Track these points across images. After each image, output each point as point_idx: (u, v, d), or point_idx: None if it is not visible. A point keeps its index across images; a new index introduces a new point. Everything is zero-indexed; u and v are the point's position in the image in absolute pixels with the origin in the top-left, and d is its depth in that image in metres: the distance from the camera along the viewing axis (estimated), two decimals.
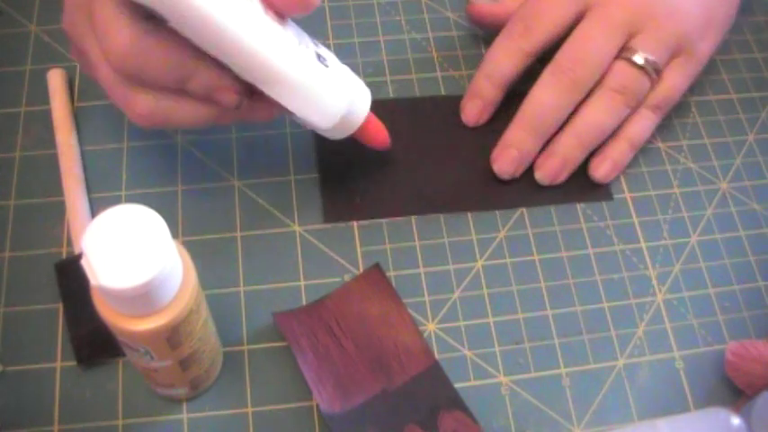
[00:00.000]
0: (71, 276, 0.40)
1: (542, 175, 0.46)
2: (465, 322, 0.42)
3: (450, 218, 0.46)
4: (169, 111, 0.36)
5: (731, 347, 0.41)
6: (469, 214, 0.46)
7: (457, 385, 0.40)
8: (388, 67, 0.51)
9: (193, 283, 0.32)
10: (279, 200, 0.45)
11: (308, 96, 0.37)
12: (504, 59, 0.47)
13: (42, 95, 0.47)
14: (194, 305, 0.32)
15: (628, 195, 0.47)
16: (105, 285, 0.28)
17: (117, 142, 0.46)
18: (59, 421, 0.38)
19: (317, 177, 0.46)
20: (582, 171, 0.47)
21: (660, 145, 0.50)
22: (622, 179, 0.48)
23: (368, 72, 0.50)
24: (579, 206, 0.47)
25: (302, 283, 0.43)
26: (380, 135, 0.43)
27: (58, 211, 0.44)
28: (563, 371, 0.42)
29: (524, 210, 0.46)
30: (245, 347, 0.41)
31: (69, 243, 0.43)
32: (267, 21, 0.35)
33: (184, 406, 0.39)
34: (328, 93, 0.38)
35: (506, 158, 0.46)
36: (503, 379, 0.41)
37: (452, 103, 0.49)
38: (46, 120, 0.46)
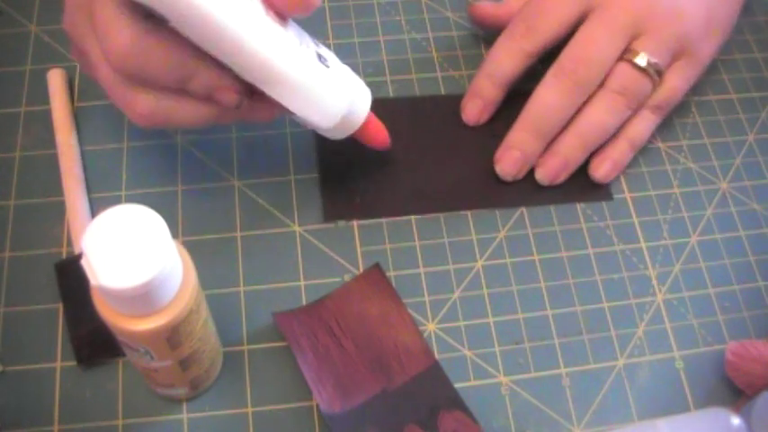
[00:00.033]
0: (71, 276, 0.40)
1: (543, 174, 0.46)
2: (465, 322, 0.42)
3: (450, 218, 0.46)
4: (170, 111, 0.36)
5: (731, 347, 0.41)
6: (469, 214, 0.46)
7: (457, 385, 0.40)
8: (388, 67, 0.51)
9: (193, 283, 0.32)
10: (279, 200, 0.45)
11: (309, 97, 0.37)
12: (505, 59, 0.47)
13: (42, 95, 0.47)
14: (194, 305, 0.32)
15: (628, 195, 0.47)
16: (105, 285, 0.28)
17: (117, 142, 0.46)
18: (59, 421, 0.38)
19: (317, 177, 0.46)
20: (582, 171, 0.47)
21: (660, 145, 0.50)
22: (622, 179, 0.48)
23: (368, 72, 0.50)
24: (579, 206, 0.47)
25: (302, 283, 0.43)
26: (380, 135, 0.43)
27: (58, 211, 0.44)
28: (563, 371, 0.42)
29: (524, 210, 0.46)
30: (245, 347, 0.41)
31: (69, 243, 0.43)
32: (268, 21, 0.35)
33: (184, 406, 0.39)
34: (329, 93, 0.38)
35: (509, 160, 0.46)
36: (503, 379, 0.41)
37: (453, 103, 0.49)
38: (46, 120, 0.46)
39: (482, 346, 0.42)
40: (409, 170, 0.47)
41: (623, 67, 0.45)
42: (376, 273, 0.43)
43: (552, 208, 0.46)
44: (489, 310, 0.43)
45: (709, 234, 0.47)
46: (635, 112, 0.46)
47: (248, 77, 0.36)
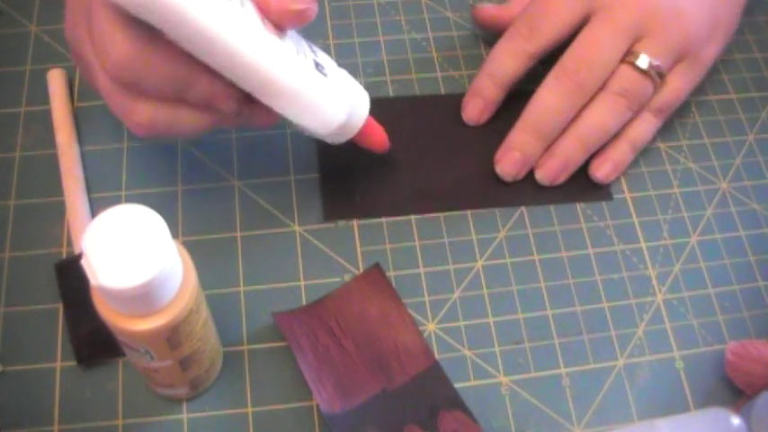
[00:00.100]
0: (71, 276, 0.40)
1: (543, 174, 0.46)
2: (465, 322, 0.42)
3: (450, 218, 0.46)
4: (169, 120, 0.36)
5: (731, 347, 0.41)
6: (469, 214, 0.46)
7: (457, 385, 0.40)
8: (388, 67, 0.51)
9: (193, 283, 0.32)
10: (279, 200, 0.45)
11: (307, 106, 0.37)
12: (507, 60, 0.47)
13: (42, 95, 0.47)
14: (194, 305, 0.32)
15: (628, 195, 0.47)
16: (105, 285, 0.28)
17: (117, 142, 0.46)
18: (59, 421, 0.38)
19: (317, 177, 0.46)
20: (582, 171, 0.47)
21: (660, 145, 0.50)
22: (622, 179, 0.48)
23: (368, 72, 0.50)
24: (579, 206, 0.47)
25: (302, 283, 0.43)
26: (379, 138, 0.43)
27: (58, 211, 0.44)
28: (563, 371, 0.42)
29: (524, 210, 0.46)
30: (245, 347, 0.41)
31: (69, 243, 0.43)
32: (264, 33, 0.35)
33: (184, 406, 0.39)
34: (327, 102, 0.38)
35: (509, 161, 0.46)
36: (503, 379, 0.41)
37: (453, 102, 0.49)
38: (46, 120, 0.46)
39: (482, 346, 0.42)
40: (409, 170, 0.47)
41: (625, 70, 0.45)
42: (376, 273, 0.43)
43: (552, 208, 0.46)
44: (489, 310, 0.43)
45: (709, 234, 0.47)
46: (636, 113, 0.46)
47: (246, 88, 0.36)
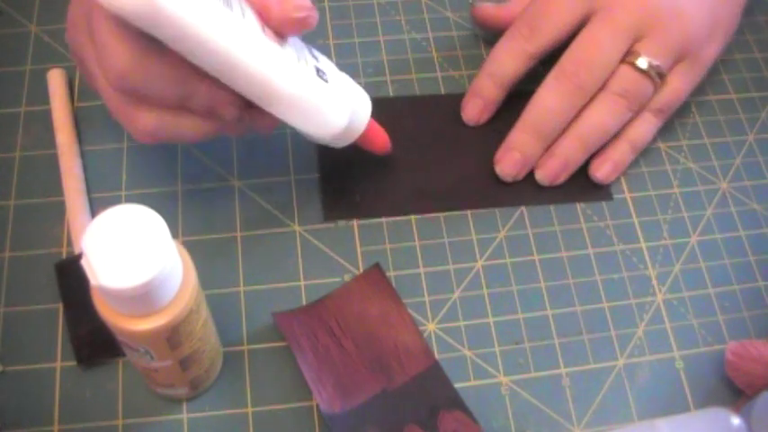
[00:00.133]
0: (71, 276, 0.40)
1: (543, 175, 0.46)
2: (465, 322, 0.42)
3: (450, 218, 0.46)
4: (171, 127, 0.36)
5: (731, 347, 0.41)
6: (469, 214, 0.46)
7: (457, 385, 0.40)
8: (388, 67, 0.51)
9: (193, 283, 0.32)
10: (279, 200, 0.45)
11: (308, 113, 0.37)
12: (507, 60, 0.47)
13: (42, 95, 0.47)
14: (194, 305, 0.32)
15: (628, 195, 0.47)
16: (105, 285, 0.28)
17: (117, 142, 0.46)
18: (59, 421, 0.38)
19: (317, 177, 0.46)
20: (582, 171, 0.47)
21: (660, 145, 0.50)
22: (622, 179, 0.48)
23: (368, 72, 0.50)
24: (579, 206, 0.47)
25: (302, 283, 0.43)
26: (381, 140, 0.43)
27: (58, 211, 0.44)
28: (563, 371, 0.42)
29: (524, 209, 0.46)
30: (245, 347, 0.41)
31: (69, 243, 0.43)
32: (265, 42, 0.35)
33: (184, 406, 0.39)
34: (328, 108, 0.38)
35: (509, 161, 0.46)
36: (503, 379, 0.41)
37: (453, 102, 0.49)
38: (46, 120, 0.46)
39: (482, 346, 0.42)
40: (409, 170, 0.47)
41: (624, 70, 0.45)
42: (376, 273, 0.43)
43: (552, 208, 0.46)
44: (489, 310, 0.43)
45: (710, 234, 0.47)
46: (636, 114, 0.46)
47: (247, 95, 0.36)
